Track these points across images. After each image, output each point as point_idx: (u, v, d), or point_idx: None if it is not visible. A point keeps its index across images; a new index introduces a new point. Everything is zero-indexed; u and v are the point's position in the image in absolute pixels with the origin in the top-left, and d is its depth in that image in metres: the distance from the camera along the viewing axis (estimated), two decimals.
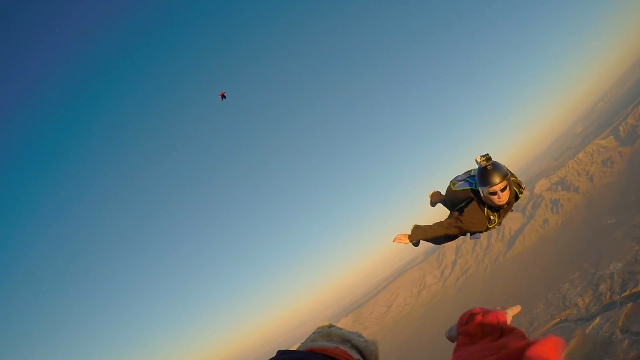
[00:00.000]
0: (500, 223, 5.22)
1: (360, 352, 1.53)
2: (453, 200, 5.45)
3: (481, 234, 5.33)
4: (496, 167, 4.64)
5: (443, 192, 5.99)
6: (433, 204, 6.50)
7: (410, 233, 5.33)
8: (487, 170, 4.64)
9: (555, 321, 68.40)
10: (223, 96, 18.82)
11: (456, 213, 5.38)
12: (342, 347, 1.52)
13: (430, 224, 5.37)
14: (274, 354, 1.48)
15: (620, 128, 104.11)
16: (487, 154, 4.65)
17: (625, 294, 58.41)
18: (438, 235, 5.36)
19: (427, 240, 5.52)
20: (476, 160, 4.69)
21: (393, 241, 5.42)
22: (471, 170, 5.32)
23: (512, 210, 5.29)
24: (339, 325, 1.51)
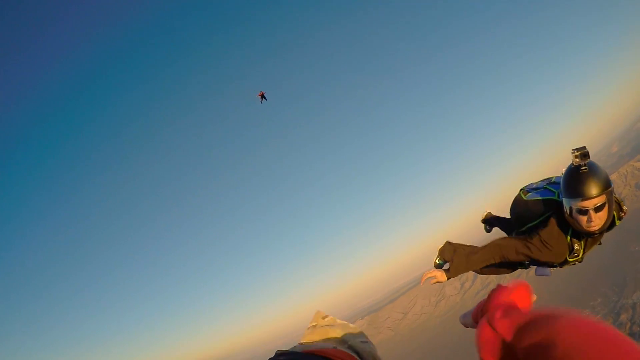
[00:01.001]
0: (582, 259, 3.51)
1: (357, 353, 1.50)
2: (521, 216, 3.87)
3: (552, 269, 3.76)
4: (594, 171, 3.06)
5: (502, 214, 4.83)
6: (488, 228, 5.09)
7: (449, 267, 3.70)
8: (580, 173, 3.05)
9: None
10: (263, 96, 17.54)
11: (522, 235, 3.66)
12: (340, 347, 1.47)
13: (475, 245, 3.70)
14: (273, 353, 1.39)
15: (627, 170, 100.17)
16: (584, 148, 3.08)
17: None
18: (488, 265, 3.72)
19: (472, 270, 3.88)
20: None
21: (423, 282, 3.91)
22: (552, 177, 3.80)
23: (600, 244, 3.58)
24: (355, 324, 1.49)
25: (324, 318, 1.57)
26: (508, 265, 4.08)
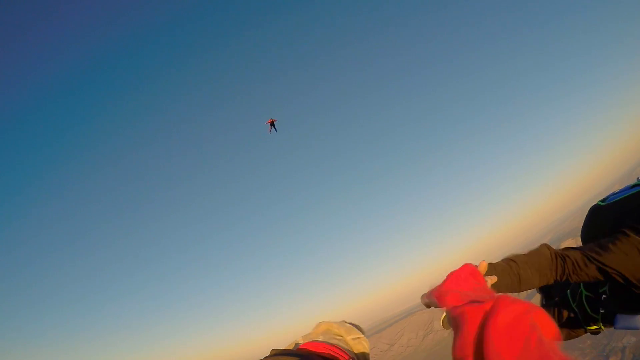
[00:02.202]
0: None
1: (350, 349, 1.52)
2: (592, 229, 2.95)
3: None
4: None
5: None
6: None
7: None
8: None
9: None
10: (272, 125, 15.02)
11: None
12: (333, 344, 1.50)
13: (521, 253, 2.64)
14: None
15: None
16: None
17: None
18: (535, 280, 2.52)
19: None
20: None
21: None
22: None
23: None
24: None
25: (324, 323, 1.58)
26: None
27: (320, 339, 1.52)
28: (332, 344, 1.50)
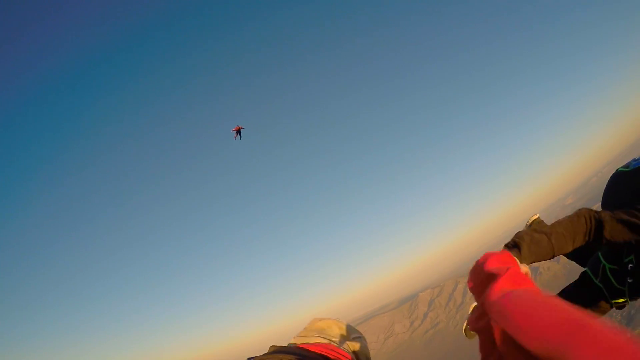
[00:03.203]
0: None
1: (352, 349, 1.51)
2: (616, 195, 2.98)
3: None
4: None
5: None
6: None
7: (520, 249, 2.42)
8: None
9: None
10: (238, 132, 15.22)
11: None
12: (334, 344, 1.50)
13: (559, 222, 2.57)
14: None
15: None
16: None
17: None
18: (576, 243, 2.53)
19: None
20: None
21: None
22: None
23: None
24: None
25: (320, 320, 1.59)
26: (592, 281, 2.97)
27: (318, 338, 1.51)
28: (331, 344, 1.49)
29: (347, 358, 1.45)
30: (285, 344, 1.49)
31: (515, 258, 2.21)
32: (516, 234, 2.53)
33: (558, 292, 3.50)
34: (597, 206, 3.87)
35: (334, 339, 1.50)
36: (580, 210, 2.62)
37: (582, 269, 3.29)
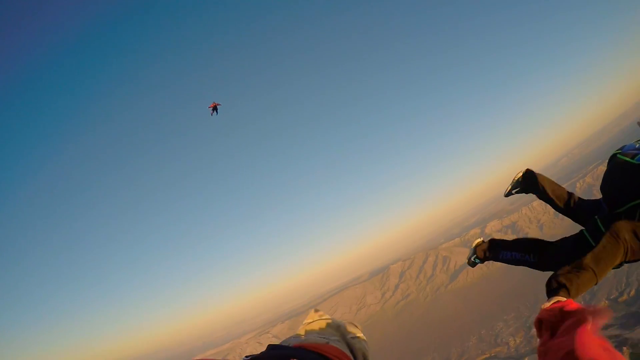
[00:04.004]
0: None
1: (349, 348, 1.51)
2: (627, 186, 3.01)
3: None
4: None
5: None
6: (481, 257, 4.24)
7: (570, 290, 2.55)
8: None
9: (485, 356, 70.38)
10: (215, 109, 16.08)
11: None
12: (332, 343, 1.49)
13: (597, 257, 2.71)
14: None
15: (577, 185, 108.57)
16: None
17: None
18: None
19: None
20: None
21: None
22: None
23: None
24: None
25: (319, 316, 1.60)
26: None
27: (316, 338, 1.51)
28: (329, 343, 1.48)
29: (346, 357, 1.44)
30: (285, 343, 1.48)
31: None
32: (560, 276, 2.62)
33: (558, 239, 3.72)
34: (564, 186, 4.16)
35: (332, 338, 1.49)
36: (619, 230, 2.75)
37: None
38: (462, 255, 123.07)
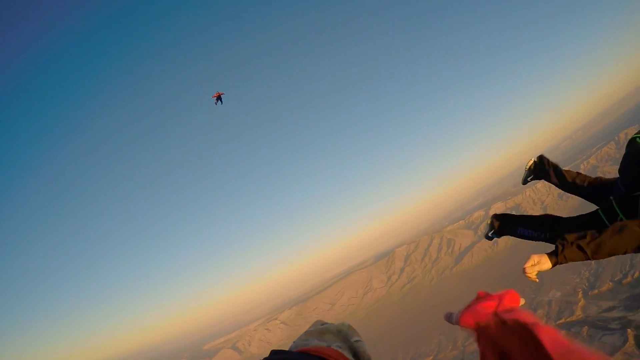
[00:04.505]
0: None
1: (353, 353, 1.51)
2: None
3: None
4: None
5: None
6: (497, 232, 4.37)
7: (555, 252, 2.92)
8: None
9: None
10: (219, 98, 15.89)
11: None
12: (335, 347, 1.50)
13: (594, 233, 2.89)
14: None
15: (582, 166, 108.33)
16: None
17: (560, 321, 60.51)
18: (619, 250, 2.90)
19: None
20: None
21: (528, 276, 2.96)
22: None
23: None
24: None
25: (321, 323, 1.58)
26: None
27: (318, 342, 1.50)
28: (331, 348, 1.49)
29: None
30: (286, 348, 1.48)
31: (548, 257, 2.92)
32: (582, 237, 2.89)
33: (575, 215, 3.89)
34: (567, 168, 4.35)
35: (334, 343, 1.49)
36: (626, 231, 2.84)
37: None
38: (467, 237, 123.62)
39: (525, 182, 4.69)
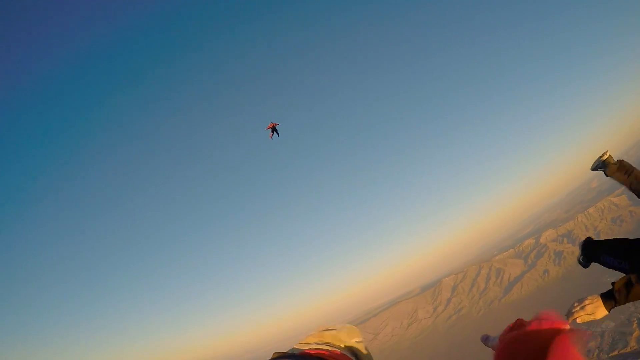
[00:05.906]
0: None
1: (354, 354, 1.51)
2: None
3: None
4: None
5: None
6: (586, 259, 3.92)
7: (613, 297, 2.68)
8: None
9: None
10: (274, 129, 13.78)
11: None
12: (336, 349, 1.50)
13: None
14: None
15: None
16: None
17: (614, 353, 56.58)
18: None
19: None
20: None
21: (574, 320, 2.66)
22: None
23: None
24: None
25: (324, 329, 1.57)
26: None
27: (320, 345, 1.50)
28: (333, 350, 1.49)
29: None
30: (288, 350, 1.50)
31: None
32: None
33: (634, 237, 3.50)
34: (620, 191, 4.74)
35: (336, 345, 1.50)
36: None
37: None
38: (517, 267, 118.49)
39: (594, 169, 4.21)
